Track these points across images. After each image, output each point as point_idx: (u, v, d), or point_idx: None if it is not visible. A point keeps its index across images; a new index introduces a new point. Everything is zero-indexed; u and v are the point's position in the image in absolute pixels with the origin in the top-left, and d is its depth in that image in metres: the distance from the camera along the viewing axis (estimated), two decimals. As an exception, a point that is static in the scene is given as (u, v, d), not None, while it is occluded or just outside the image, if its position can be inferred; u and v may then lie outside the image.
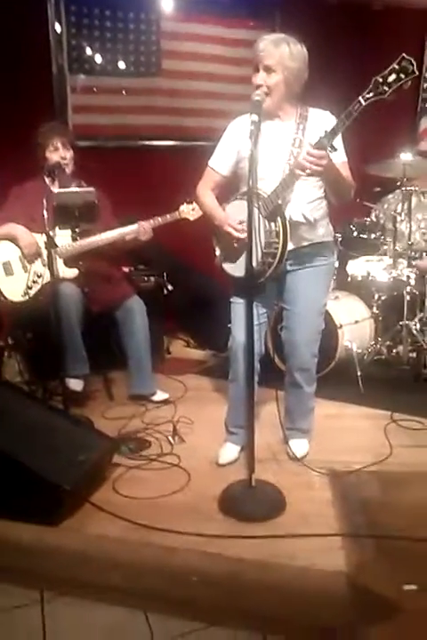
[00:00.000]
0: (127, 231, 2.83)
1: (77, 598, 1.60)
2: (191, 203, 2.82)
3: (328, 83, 3.27)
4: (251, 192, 1.83)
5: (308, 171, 1.89)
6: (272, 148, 2.03)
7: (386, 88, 1.78)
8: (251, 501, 1.96)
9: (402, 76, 1.76)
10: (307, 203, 2.09)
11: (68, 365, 2.65)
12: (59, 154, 2.79)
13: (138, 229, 2.82)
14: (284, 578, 1.65)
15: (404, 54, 1.76)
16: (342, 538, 1.78)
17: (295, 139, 2.06)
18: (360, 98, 1.81)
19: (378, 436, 2.48)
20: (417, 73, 1.75)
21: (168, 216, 2.85)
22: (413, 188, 3.22)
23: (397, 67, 1.77)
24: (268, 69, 1.99)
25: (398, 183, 3.29)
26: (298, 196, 2.06)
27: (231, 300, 2.20)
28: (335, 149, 1.90)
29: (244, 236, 2.02)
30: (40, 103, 3.65)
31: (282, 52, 1.99)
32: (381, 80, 1.78)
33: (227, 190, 2.24)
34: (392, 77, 1.77)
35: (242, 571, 1.67)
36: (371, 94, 1.80)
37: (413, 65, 1.75)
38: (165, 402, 2.88)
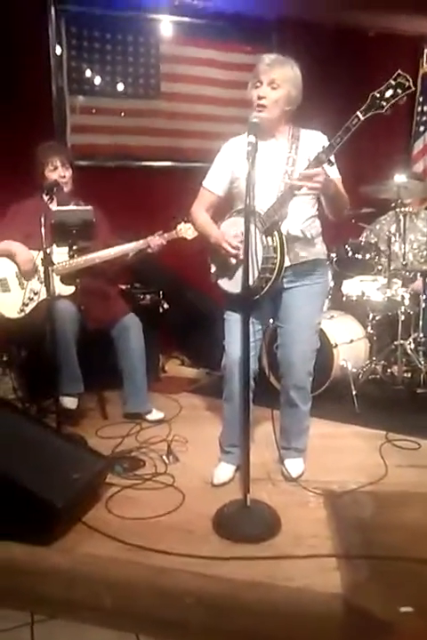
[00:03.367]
0: (131, 247, 2.85)
1: (68, 620, 1.58)
2: (188, 222, 2.84)
3: (322, 106, 3.33)
4: (248, 211, 1.85)
5: (304, 190, 1.91)
6: (267, 167, 2.06)
7: (384, 103, 1.82)
8: (246, 522, 1.94)
9: (399, 91, 1.81)
10: (303, 220, 2.11)
11: (62, 383, 2.65)
12: (58, 172, 2.82)
13: (149, 242, 2.84)
14: (279, 599, 1.63)
15: (399, 70, 1.80)
16: (337, 559, 1.76)
17: (289, 157, 2.09)
18: (358, 113, 1.85)
19: (373, 455, 2.47)
20: (414, 88, 1.80)
21: (166, 235, 2.87)
22: (406, 210, 3.26)
23: (393, 82, 1.82)
24: (272, 84, 2.03)
25: (393, 205, 3.33)
26: (294, 213, 2.08)
27: (225, 315, 2.20)
28: (333, 163, 1.93)
29: (240, 250, 2.03)
30: (39, 122, 3.70)
31: (287, 71, 2.05)
32: (378, 95, 1.83)
33: (221, 210, 2.25)
34: (389, 93, 1.81)
35: (236, 592, 1.65)
36: (369, 109, 1.83)
37: (408, 80, 1.80)
38: (160, 421, 2.87)
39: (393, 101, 1.82)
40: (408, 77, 1.80)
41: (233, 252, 2.09)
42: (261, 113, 2.02)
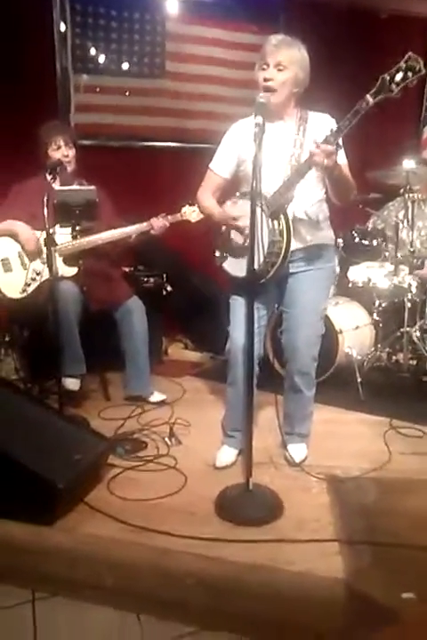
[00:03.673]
0: (134, 229, 2.81)
1: (69, 599, 1.58)
2: (193, 205, 2.81)
3: (331, 87, 3.27)
4: (254, 194, 1.81)
5: (320, 165, 1.87)
6: (274, 149, 2.03)
7: (394, 86, 1.78)
8: (248, 505, 1.93)
9: (409, 74, 1.76)
10: (310, 203, 2.08)
11: (65, 364, 2.64)
12: (61, 152, 2.79)
13: (152, 224, 2.80)
14: (280, 583, 1.62)
15: (410, 53, 1.76)
16: (339, 544, 1.76)
17: (296, 140, 2.06)
18: (368, 96, 1.81)
19: (377, 442, 2.46)
20: (424, 71, 1.75)
21: (170, 217, 2.84)
22: (415, 196, 3.21)
23: (404, 65, 1.77)
24: (279, 65, 1.99)
25: (401, 191, 3.29)
26: (301, 196, 2.05)
27: (231, 299, 2.18)
28: (341, 147, 1.89)
29: (245, 232, 2.00)
30: (43, 101, 3.65)
31: (295, 52, 2.01)
32: (388, 78, 1.78)
33: (228, 193, 2.23)
34: (400, 76, 1.77)
35: (238, 575, 1.64)
36: (379, 93, 1.79)
37: (419, 63, 1.75)
38: (162, 403, 2.86)
39: (403, 84, 1.77)
40: (419, 60, 1.76)
41: (239, 228, 2.04)
42: (269, 96, 1.98)
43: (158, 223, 2.81)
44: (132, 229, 2.82)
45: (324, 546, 1.75)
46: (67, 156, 2.79)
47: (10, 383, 2.60)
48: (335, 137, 1.86)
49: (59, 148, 2.80)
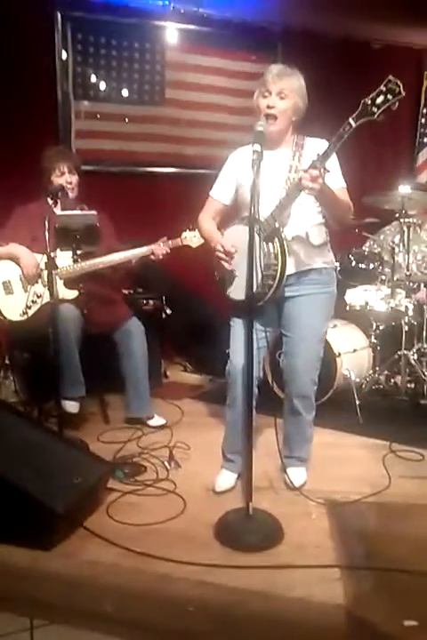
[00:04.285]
0: (135, 254, 2.82)
1: (68, 626, 1.56)
2: (193, 229, 2.83)
3: (326, 114, 3.33)
4: (252, 220, 1.85)
5: (307, 188, 1.90)
6: (270, 175, 2.06)
7: (375, 109, 1.82)
8: (248, 530, 1.92)
9: (390, 96, 1.80)
10: (306, 227, 2.12)
11: (64, 387, 2.64)
12: (64, 178, 2.82)
13: (153, 249, 2.81)
14: (281, 609, 1.61)
15: (390, 76, 1.81)
16: (340, 569, 1.75)
17: (292, 165, 2.10)
18: (350, 119, 1.85)
19: (376, 466, 2.46)
20: (404, 94, 1.79)
21: (170, 242, 2.86)
22: (410, 221, 3.26)
23: (384, 88, 1.81)
24: (281, 94, 2.05)
25: (397, 215, 3.34)
26: (297, 219, 2.08)
27: (231, 322, 2.20)
28: (328, 171, 1.93)
29: (230, 265, 2.08)
30: (44, 127, 3.72)
31: (295, 81, 2.07)
32: (369, 102, 1.83)
33: (228, 218, 2.26)
34: (381, 99, 1.81)
35: (238, 601, 1.63)
36: (361, 116, 1.84)
37: (399, 86, 1.79)
38: (162, 427, 2.86)
39: (384, 107, 1.82)
40: (398, 83, 1.80)
41: (224, 258, 2.09)
42: (271, 124, 2.04)
43: (159, 249, 2.82)
44: (132, 254, 2.84)
45: (324, 571, 1.74)
46: (70, 183, 2.82)
47: (9, 405, 2.60)
48: (322, 161, 1.89)
49: (63, 174, 2.83)
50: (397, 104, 1.82)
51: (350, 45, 4.20)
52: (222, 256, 2.10)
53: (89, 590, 1.69)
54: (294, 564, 1.78)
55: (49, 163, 2.83)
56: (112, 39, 4.00)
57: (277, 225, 2.03)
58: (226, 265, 2.11)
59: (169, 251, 2.84)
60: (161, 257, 2.83)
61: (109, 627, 1.55)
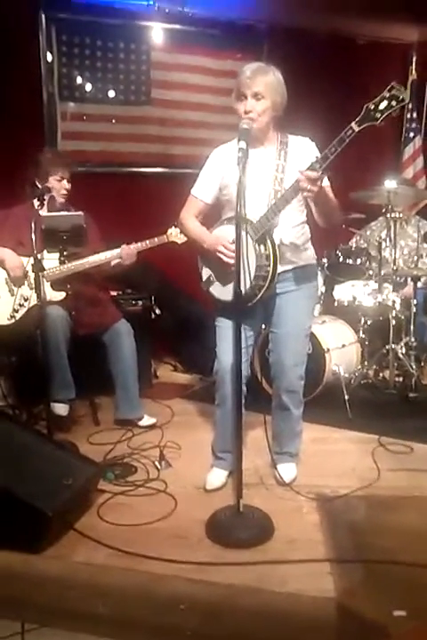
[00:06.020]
0: (111, 256, 2.81)
1: (59, 629, 1.56)
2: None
3: (312, 112, 3.35)
4: (239, 217, 1.85)
5: (306, 190, 1.90)
6: (256, 175, 2.06)
7: (378, 115, 1.83)
8: (239, 527, 1.93)
9: (393, 103, 1.81)
10: (293, 226, 2.12)
11: (53, 389, 2.63)
12: (62, 185, 2.82)
13: (120, 253, 2.79)
14: (272, 604, 1.62)
15: (394, 82, 1.82)
16: (330, 563, 1.76)
17: (278, 165, 2.10)
18: (353, 124, 1.85)
19: (366, 459, 2.48)
20: (407, 100, 1.81)
21: (156, 239, 2.86)
22: (397, 216, 3.28)
23: (387, 94, 1.82)
24: (257, 96, 2.03)
25: (383, 210, 3.36)
26: (285, 220, 2.09)
27: (216, 322, 2.20)
28: (326, 174, 1.94)
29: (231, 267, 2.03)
30: (30, 129, 3.70)
31: (270, 79, 2.04)
32: (372, 107, 1.83)
33: (209, 218, 2.24)
34: (384, 104, 1.82)
35: (230, 598, 1.64)
36: (364, 121, 1.84)
37: (403, 92, 1.81)
38: (152, 427, 2.86)
39: (387, 113, 1.83)
40: (402, 89, 1.81)
41: (227, 260, 2.06)
42: (251, 125, 2.02)
43: (127, 251, 2.78)
44: (113, 253, 2.80)
45: (315, 566, 1.76)
46: (66, 191, 2.83)
47: (-2, 410, 2.59)
48: (321, 164, 1.89)
49: (61, 179, 2.82)
50: (398, 110, 1.83)
51: (335, 42, 4.21)
52: (229, 253, 2.06)
53: (80, 592, 1.68)
54: (285, 559, 1.79)
55: (49, 164, 2.81)
56: (97, 40, 3.99)
57: (269, 227, 2.02)
58: (225, 264, 2.07)
59: (135, 253, 2.80)
60: (129, 260, 2.79)
61: (101, 628, 1.55)
